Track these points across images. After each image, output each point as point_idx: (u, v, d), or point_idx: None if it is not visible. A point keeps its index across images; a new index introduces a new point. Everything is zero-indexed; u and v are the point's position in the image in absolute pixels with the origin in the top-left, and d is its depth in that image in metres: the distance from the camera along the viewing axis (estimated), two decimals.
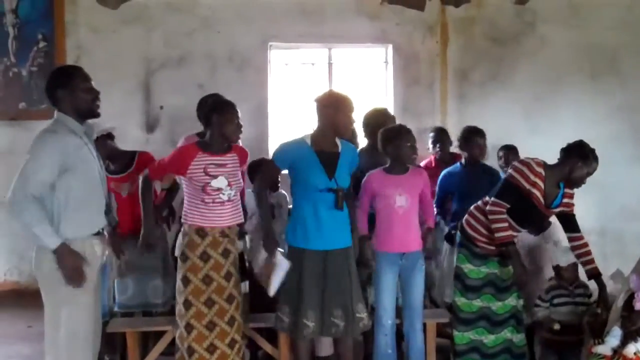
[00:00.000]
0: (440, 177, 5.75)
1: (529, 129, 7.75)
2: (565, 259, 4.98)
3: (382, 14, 7.90)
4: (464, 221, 4.97)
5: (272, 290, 4.56)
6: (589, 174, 4.71)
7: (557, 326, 4.83)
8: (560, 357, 4.97)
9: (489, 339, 4.94)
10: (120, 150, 5.33)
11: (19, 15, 7.74)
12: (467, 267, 4.92)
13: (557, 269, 5.03)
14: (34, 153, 3.78)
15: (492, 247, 4.82)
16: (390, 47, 8.03)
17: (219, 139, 4.58)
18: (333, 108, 4.55)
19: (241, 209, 4.75)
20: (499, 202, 4.69)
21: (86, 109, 3.93)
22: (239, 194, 4.71)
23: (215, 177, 4.48)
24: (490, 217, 4.72)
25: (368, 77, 8.25)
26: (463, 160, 5.74)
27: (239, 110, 4.63)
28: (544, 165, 4.72)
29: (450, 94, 8.00)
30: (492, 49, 7.99)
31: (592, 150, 4.70)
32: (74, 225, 3.86)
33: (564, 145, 4.78)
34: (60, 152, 3.78)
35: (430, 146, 6.56)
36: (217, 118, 4.52)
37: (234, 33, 7.80)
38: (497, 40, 8.00)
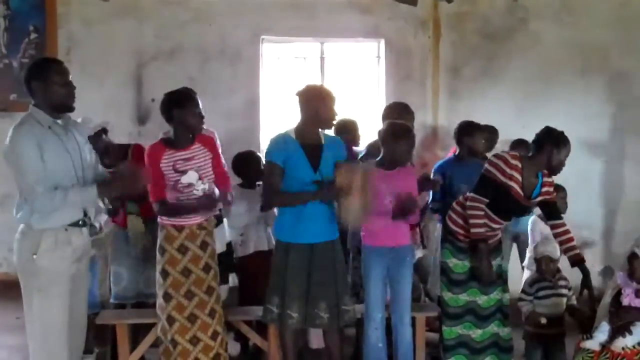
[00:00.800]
0: (434, 169, 5.75)
1: (520, 126, 7.69)
2: (542, 250, 5.00)
3: (374, 8, 7.89)
4: (447, 216, 4.99)
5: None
6: (566, 157, 4.71)
7: (544, 320, 4.85)
8: (545, 349, 4.98)
9: (476, 333, 4.94)
10: (115, 144, 5.30)
11: (10, 6, 7.72)
12: (452, 262, 4.92)
13: (536, 261, 5.05)
14: (17, 157, 3.79)
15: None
16: (382, 42, 8.02)
17: (183, 133, 4.57)
18: (315, 101, 4.53)
19: (214, 208, 4.74)
20: (477, 197, 4.72)
21: (60, 104, 3.93)
22: (214, 185, 4.66)
23: (184, 172, 4.48)
24: (468, 212, 4.75)
25: (360, 72, 8.25)
26: (457, 152, 5.73)
27: (200, 100, 4.61)
28: (520, 157, 4.72)
29: (442, 89, 8.00)
30: (484, 45, 7.99)
31: (562, 134, 4.70)
32: (44, 216, 3.87)
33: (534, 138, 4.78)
34: (35, 142, 3.79)
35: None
36: (178, 112, 4.50)
37: (226, 26, 7.79)
38: (489, 36, 7.99)
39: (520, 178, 4.66)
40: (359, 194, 4.31)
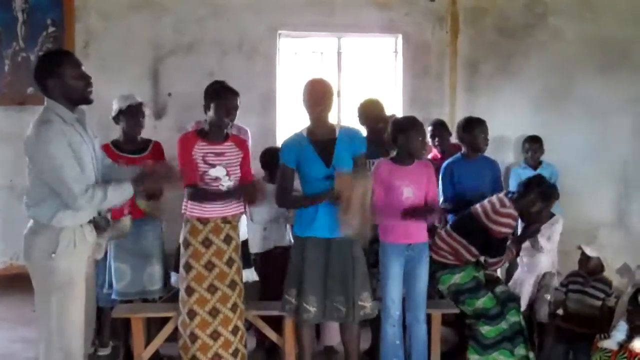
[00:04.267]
0: (442, 168, 5.71)
1: (538, 123, 7.71)
2: (593, 250, 4.98)
3: (392, 3, 7.85)
4: (432, 252, 5.03)
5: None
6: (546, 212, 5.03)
7: (559, 311, 4.89)
8: (570, 347, 4.94)
9: (508, 322, 4.91)
10: (141, 128, 5.31)
11: (29, 0, 7.73)
12: (457, 278, 4.98)
13: (581, 257, 5.02)
14: (49, 158, 3.69)
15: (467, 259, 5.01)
16: (399, 37, 7.98)
17: (215, 127, 4.59)
18: (303, 96, 4.62)
19: (242, 199, 4.75)
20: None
21: (79, 97, 3.86)
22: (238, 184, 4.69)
23: (213, 166, 4.51)
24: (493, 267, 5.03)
25: (377, 67, 8.20)
26: (464, 151, 5.71)
27: (238, 98, 4.66)
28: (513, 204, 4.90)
29: (460, 85, 7.96)
30: (503, 40, 7.93)
31: (553, 188, 5.00)
32: (67, 216, 3.82)
33: (525, 181, 5.03)
34: (66, 140, 3.73)
35: (429, 140, 6.53)
36: (215, 105, 4.53)
37: (244, 21, 7.76)
38: (507, 32, 7.93)
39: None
40: (357, 205, 4.29)
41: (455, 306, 5.08)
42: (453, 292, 4.99)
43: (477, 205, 4.97)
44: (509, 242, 5.10)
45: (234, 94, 4.65)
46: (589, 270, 4.99)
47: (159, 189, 4.69)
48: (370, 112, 5.48)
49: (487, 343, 4.87)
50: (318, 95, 4.57)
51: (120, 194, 3.87)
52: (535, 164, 7.10)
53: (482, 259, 5.05)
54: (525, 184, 4.94)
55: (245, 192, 4.62)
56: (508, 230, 4.88)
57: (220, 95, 4.56)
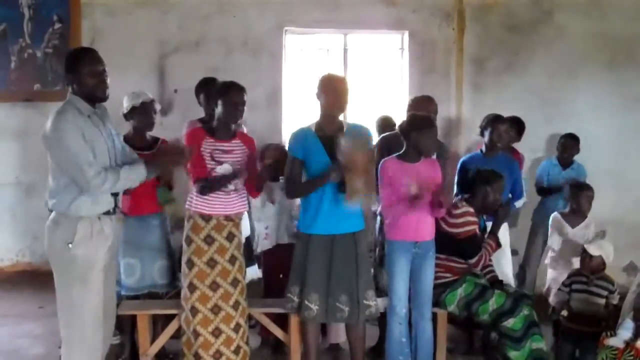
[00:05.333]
0: (460, 164, 5.72)
1: (544, 119, 7.71)
2: (596, 249, 4.95)
3: (398, 0, 7.84)
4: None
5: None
6: (500, 192, 5.08)
7: (564, 312, 4.85)
8: (577, 346, 4.93)
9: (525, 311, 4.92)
10: (152, 125, 5.29)
11: None
12: (461, 292, 5.00)
13: (583, 256, 5.00)
14: (63, 144, 3.80)
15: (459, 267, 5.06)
16: (406, 33, 7.98)
17: (224, 123, 4.59)
18: (319, 89, 4.58)
19: (246, 198, 4.76)
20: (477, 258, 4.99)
21: (91, 93, 3.94)
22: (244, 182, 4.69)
23: (220, 163, 4.51)
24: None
25: (383, 64, 8.20)
26: (483, 148, 5.71)
27: (245, 93, 4.64)
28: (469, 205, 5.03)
29: (466, 82, 7.94)
30: (509, 37, 7.93)
31: (492, 172, 5.06)
32: (85, 204, 3.89)
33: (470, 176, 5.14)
34: (78, 128, 3.81)
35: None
36: (223, 101, 4.53)
37: (250, 17, 7.78)
38: (514, 28, 7.93)
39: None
40: (360, 173, 4.32)
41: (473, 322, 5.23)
42: (463, 307, 4.98)
43: (464, 229, 5.01)
44: (486, 237, 5.11)
45: (241, 89, 4.63)
46: (592, 269, 4.97)
47: (171, 172, 4.79)
48: (424, 108, 5.36)
49: (518, 335, 4.84)
50: (339, 95, 4.54)
51: (134, 174, 4.00)
52: (567, 162, 6.87)
53: (477, 270, 5.09)
54: (468, 185, 5.12)
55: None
56: (472, 228, 4.94)
57: (228, 92, 4.54)
